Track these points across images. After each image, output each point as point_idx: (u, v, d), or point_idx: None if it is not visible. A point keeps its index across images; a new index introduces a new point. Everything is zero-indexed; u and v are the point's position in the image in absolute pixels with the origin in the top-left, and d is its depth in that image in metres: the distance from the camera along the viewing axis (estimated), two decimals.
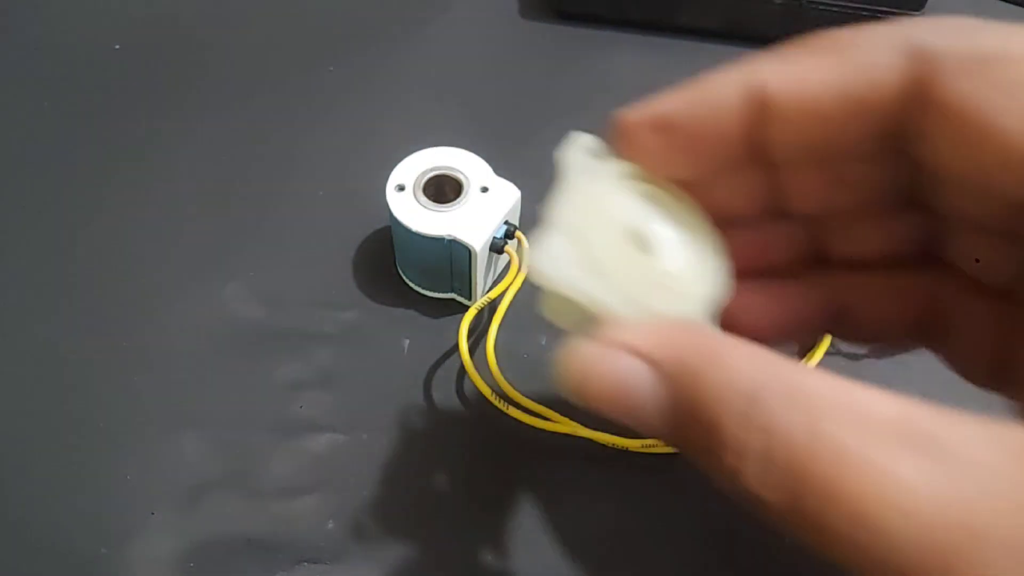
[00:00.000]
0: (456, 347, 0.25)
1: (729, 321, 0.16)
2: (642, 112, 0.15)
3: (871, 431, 0.11)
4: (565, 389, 0.14)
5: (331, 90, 0.35)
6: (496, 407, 0.24)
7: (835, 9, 0.35)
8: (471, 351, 0.25)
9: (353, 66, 0.36)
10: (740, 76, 0.14)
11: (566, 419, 0.25)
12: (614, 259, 0.15)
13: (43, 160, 0.32)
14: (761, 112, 0.14)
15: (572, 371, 0.13)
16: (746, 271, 0.17)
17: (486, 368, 0.25)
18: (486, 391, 0.24)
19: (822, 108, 0.14)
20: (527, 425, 0.24)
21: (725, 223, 0.16)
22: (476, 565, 0.23)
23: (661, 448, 0.24)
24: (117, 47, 0.37)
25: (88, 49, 0.37)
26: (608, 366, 0.13)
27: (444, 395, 0.26)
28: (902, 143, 0.14)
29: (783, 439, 0.11)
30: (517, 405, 0.25)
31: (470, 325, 0.25)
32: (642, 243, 0.15)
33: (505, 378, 0.25)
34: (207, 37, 0.38)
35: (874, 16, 0.35)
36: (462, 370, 0.25)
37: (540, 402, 0.25)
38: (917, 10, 0.35)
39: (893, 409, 0.11)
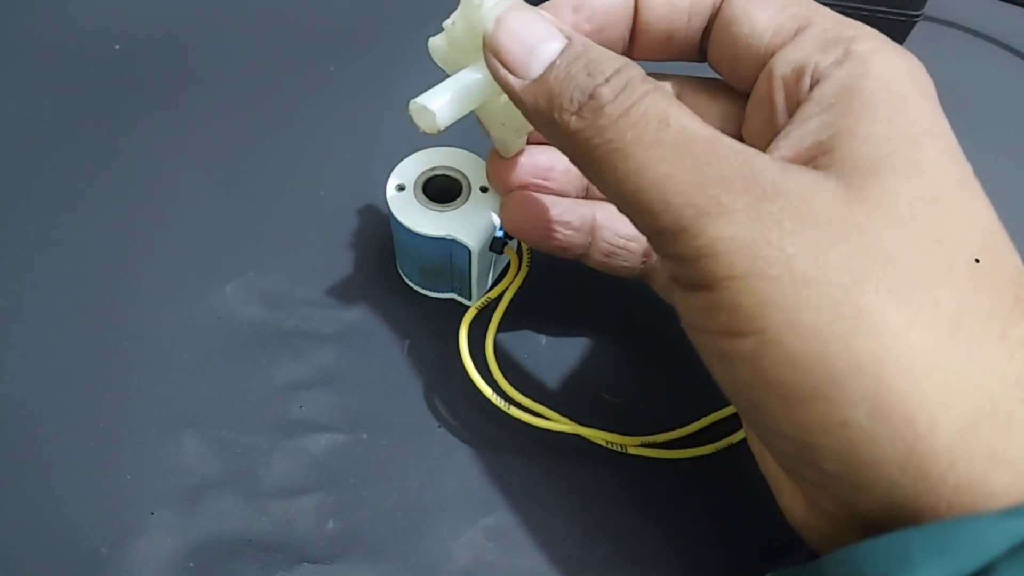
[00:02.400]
0: (456, 347, 0.25)
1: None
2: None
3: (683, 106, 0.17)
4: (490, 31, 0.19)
5: (331, 90, 0.35)
6: (496, 407, 0.24)
7: (835, 9, 0.35)
8: (471, 351, 0.25)
9: (353, 66, 0.36)
10: None
11: (566, 419, 0.25)
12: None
13: (43, 160, 0.33)
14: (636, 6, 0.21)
15: (501, 14, 0.19)
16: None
17: (486, 368, 0.25)
18: (486, 391, 0.24)
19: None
20: (527, 425, 0.24)
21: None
22: (476, 565, 0.23)
23: (660, 450, 0.24)
24: (117, 47, 0.37)
25: (88, 49, 0.37)
26: (534, 15, 0.19)
27: (444, 395, 0.26)
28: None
29: (636, 78, 0.17)
30: (517, 405, 0.25)
31: (470, 325, 0.25)
32: None
33: (505, 378, 0.25)
34: (207, 37, 0.38)
35: (874, 16, 0.35)
36: (462, 370, 0.25)
37: (540, 402, 0.25)
38: (917, 11, 0.35)
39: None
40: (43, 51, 0.37)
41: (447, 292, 0.28)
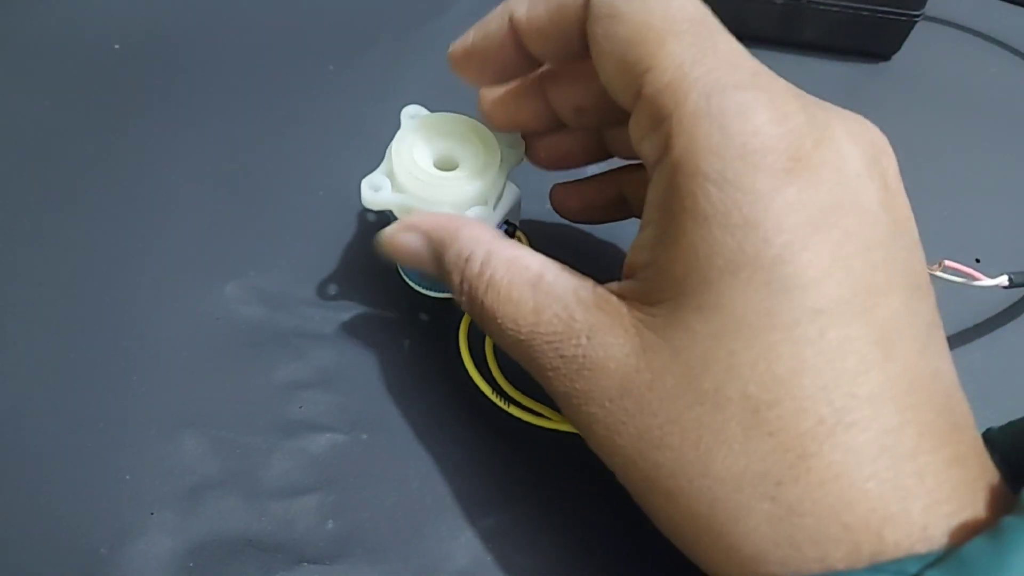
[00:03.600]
0: (456, 347, 0.25)
1: (557, 204, 0.28)
2: (456, 44, 0.22)
3: (518, 274, 0.19)
4: (380, 252, 0.23)
5: (331, 90, 0.35)
6: (497, 406, 0.24)
7: (835, 9, 0.35)
8: (471, 350, 0.25)
9: (353, 66, 0.36)
10: (502, 10, 0.21)
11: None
12: (410, 180, 0.24)
13: (42, 159, 0.32)
14: (514, 31, 0.20)
15: (383, 241, 0.23)
16: (560, 167, 0.26)
17: (486, 367, 0.25)
18: (487, 390, 0.24)
19: (542, 20, 0.20)
20: (527, 424, 0.24)
21: (536, 136, 0.25)
22: (476, 565, 0.23)
23: None
24: (117, 47, 0.37)
25: (88, 49, 0.37)
26: (401, 236, 0.22)
27: (444, 395, 0.26)
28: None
29: (473, 279, 0.20)
30: (518, 404, 0.25)
31: (470, 325, 0.25)
32: (443, 162, 0.25)
33: (505, 377, 0.25)
34: (207, 37, 0.38)
35: (874, 16, 0.35)
36: (462, 370, 0.25)
37: (540, 401, 0.25)
38: (917, 11, 0.35)
39: (536, 262, 0.20)
40: (43, 51, 0.37)
41: (447, 292, 0.28)
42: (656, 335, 0.17)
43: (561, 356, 0.18)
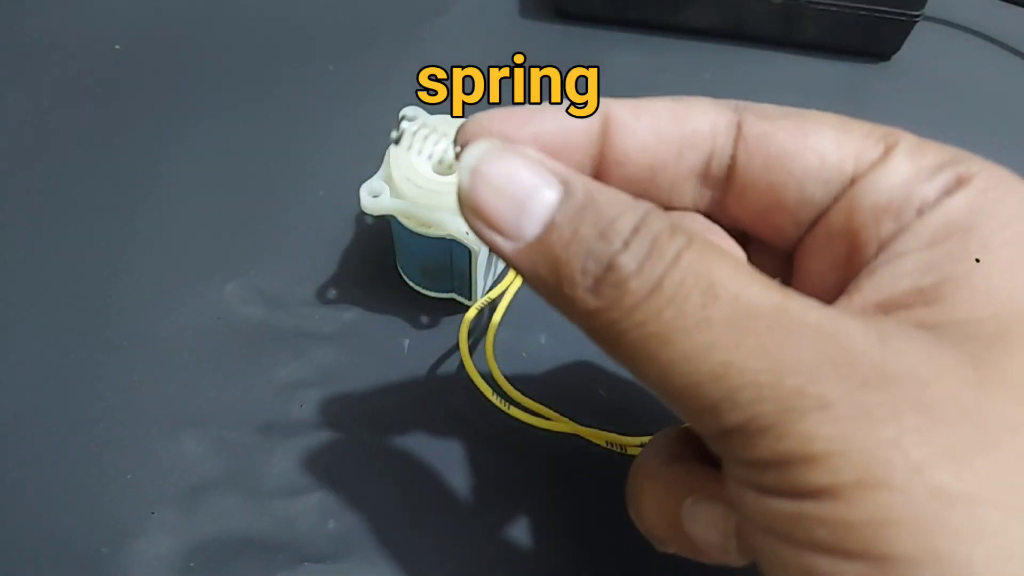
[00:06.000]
0: (456, 347, 0.25)
1: None
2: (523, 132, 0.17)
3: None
4: (465, 171, 0.14)
5: (331, 90, 0.35)
6: (496, 407, 0.24)
7: (834, 9, 0.35)
8: (471, 351, 0.25)
9: (353, 66, 0.36)
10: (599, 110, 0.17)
11: (566, 419, 0.25)
12: (408, 187, 0.24)
13: (43, 160, 0.33)
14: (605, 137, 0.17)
15: (481, 157, 0.14)
16: None
17: (486, 368, 0.25)
18: (486, 391, 0.24)
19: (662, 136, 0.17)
20: (527, 425, 0.24)
21: None
22: (476, 565, 0.23)
23: None
24: (117, 47, 0.37)
25: (88, 50, 0.37)
26: (520, 164, 0.14)
27: (444, 395, 0.26)
28: (712, 170, 0.17)
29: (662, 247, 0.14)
30: (517, 404, 0.25)
31: (470, 325, 0.25)
32: (442, 165, 0.25)
33: (505, 378, 0.25)
34: (207, 38, 0.38)
35: (873, 16, 0.35)
36: (462, 370, 0.25)
37: (540, 402, 0.25)
38: (917, 11, 0.35)
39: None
40: (43, 51, 0.37)
41: (447, 292, 0.28)
42: (989, 350, 0.13)
43: (839, 354, 0.13)
